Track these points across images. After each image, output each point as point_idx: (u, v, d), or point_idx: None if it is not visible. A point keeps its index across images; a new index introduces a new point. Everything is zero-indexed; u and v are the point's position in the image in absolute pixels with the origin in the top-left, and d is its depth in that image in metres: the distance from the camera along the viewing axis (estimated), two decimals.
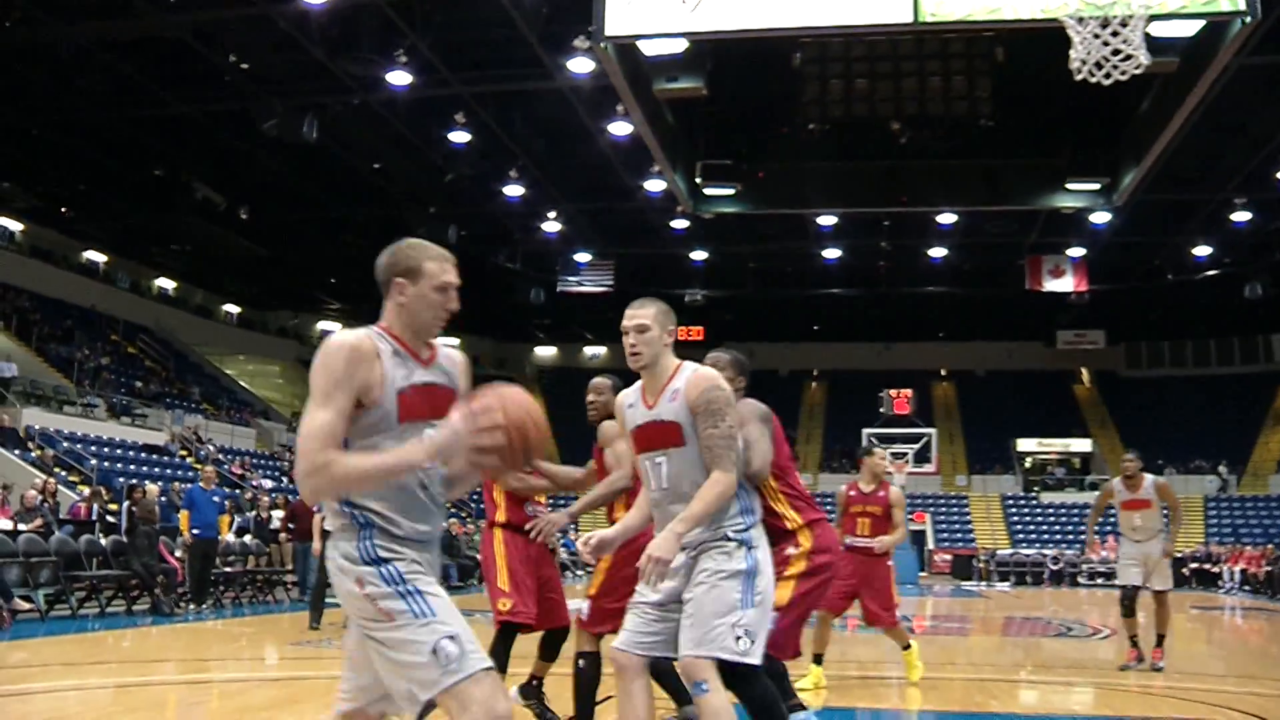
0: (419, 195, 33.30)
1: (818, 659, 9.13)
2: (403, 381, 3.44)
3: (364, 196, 33.94)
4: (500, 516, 6.82)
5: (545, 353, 57.02)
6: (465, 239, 34.92)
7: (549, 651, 6.95)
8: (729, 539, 4.49)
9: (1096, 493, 41.84)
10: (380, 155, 31.12)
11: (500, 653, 6.50)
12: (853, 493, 9.61)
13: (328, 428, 3.25)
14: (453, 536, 27.35)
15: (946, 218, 33.95)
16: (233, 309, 51.70)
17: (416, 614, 3.28)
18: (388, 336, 3.48)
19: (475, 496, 7.18)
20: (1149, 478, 10.96)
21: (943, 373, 54.84)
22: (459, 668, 3.21)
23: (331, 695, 3.80)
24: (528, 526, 6.64)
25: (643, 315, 4.58)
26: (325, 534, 3.57)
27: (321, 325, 52.83)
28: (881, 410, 43.97)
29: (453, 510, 36.38)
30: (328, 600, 14.18)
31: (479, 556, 8.02)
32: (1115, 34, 9.72)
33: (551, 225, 36.31)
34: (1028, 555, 38.85)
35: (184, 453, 34.55)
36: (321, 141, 26.26)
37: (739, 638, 4.34)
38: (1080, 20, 9.81)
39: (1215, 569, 34.86)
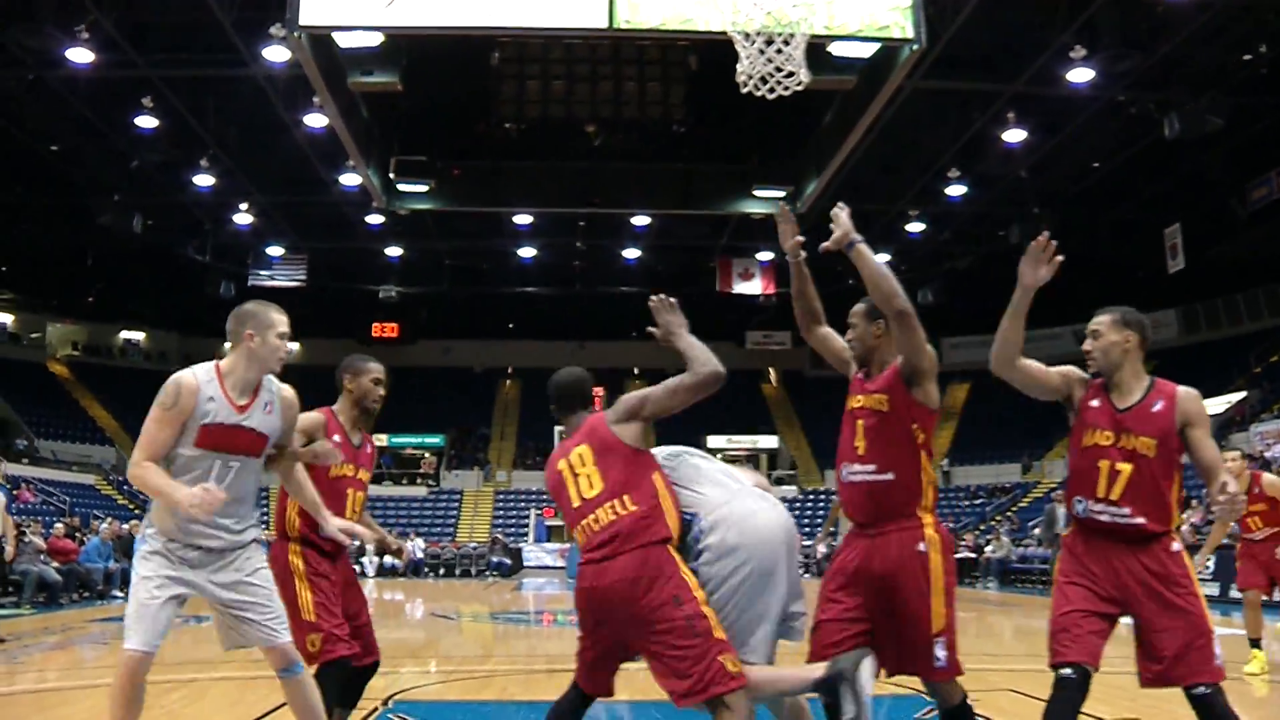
0: (103, 181, 31.48)
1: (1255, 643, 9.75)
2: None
3: (41, 181, 32.11)
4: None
5: None
6: (151, 229, 33.60)
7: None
8: None
9: (785, 486, 43.51)
10: (60, 137, 29.44)
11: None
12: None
13: None
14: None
15: (641, 220, 34.69)
16: None
17: None
18: None
19: None
20: None
21: (636, 371, 55.57)
22: None
23: None
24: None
25: None
26: None
27: None
28: None
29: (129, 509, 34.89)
30: None
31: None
32: (779, 51, 10.16)
33: (244, 217, 35.19)
34: None
35: None
36: None
37: None
38: (747, 36, 10.22)
39: None
